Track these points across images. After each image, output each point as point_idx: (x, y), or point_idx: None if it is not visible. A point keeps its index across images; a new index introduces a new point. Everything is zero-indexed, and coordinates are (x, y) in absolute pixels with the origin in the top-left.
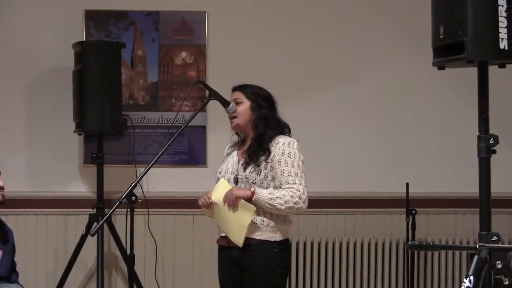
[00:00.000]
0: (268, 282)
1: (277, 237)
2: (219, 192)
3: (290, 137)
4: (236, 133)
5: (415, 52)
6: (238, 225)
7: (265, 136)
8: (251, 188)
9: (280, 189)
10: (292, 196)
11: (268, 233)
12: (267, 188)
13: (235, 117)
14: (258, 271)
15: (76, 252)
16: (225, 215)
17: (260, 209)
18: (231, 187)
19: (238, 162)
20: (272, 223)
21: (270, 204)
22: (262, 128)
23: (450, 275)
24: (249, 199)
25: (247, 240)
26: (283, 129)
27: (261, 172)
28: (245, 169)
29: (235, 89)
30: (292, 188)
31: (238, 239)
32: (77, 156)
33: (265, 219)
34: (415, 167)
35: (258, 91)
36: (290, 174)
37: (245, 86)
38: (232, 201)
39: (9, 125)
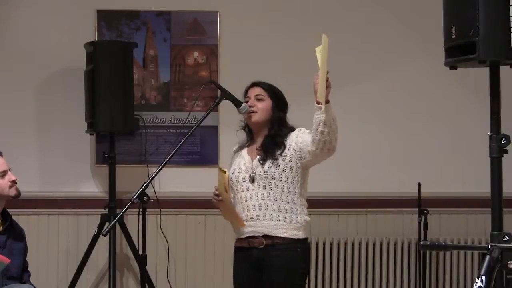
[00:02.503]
0: (289, 282)
1: (300, 235)
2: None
3: None
4: (244, 130)
5: (427, 52)
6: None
7: (280, 132)
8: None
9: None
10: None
11: (291, 230)
12: (286, 181)
13: (253, 111)
14: (280, 270)
15: (88, 252)
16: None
17: (282, 206)
18: (225, 172)
19: (252, 161)
20: (293, 220)
21: (334, 119)
22: (277, 128)
23: (462, 275)
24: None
25: (270, 239)
26: (292, 129)
27: (279, 165)
28: (263, 165)
29: (256, 84)
30: None
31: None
32: (89, 156)
33: (287, 215)
34: (427, 167)
35: (277, 92)
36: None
37: (265, 83)
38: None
39: (21, 125)
